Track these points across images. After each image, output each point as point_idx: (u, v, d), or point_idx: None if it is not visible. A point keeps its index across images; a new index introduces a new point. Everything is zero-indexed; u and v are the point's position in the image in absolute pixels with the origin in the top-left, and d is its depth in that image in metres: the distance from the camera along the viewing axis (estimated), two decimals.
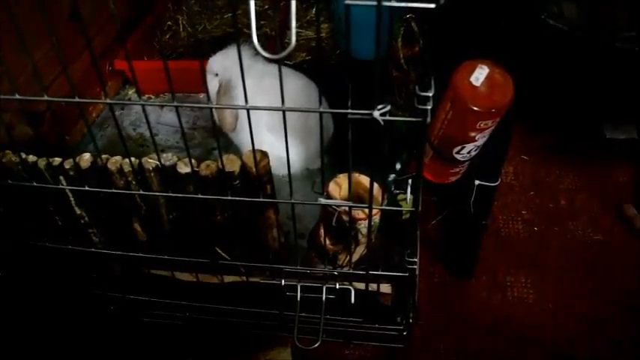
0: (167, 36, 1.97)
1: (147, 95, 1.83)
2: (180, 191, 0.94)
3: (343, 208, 0.97)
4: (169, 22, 2.00)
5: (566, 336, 1.33)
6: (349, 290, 1.05)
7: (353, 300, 1.05)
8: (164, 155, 0.93)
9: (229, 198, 0.91)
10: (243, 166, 0.93)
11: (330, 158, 1.44)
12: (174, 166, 0.93)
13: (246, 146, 1.48)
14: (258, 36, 1.77)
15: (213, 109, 1.52)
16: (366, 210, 0.93)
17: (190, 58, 1.87)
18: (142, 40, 1.86)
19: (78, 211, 1.04)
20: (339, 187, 1.02)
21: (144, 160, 0.94)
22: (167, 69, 0.78)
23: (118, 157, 0.96)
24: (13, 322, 1.28)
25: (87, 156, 0.97)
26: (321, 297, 1.05)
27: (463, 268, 1.42)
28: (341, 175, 1.03)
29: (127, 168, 0.94)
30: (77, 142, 1.64)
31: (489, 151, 1.22)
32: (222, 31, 1.99)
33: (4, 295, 1.26)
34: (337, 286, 1.05)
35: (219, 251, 1.06)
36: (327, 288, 1.05)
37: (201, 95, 1.80)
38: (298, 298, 1.05)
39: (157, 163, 0.93)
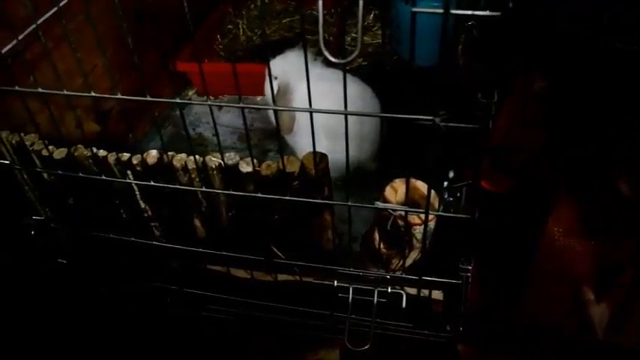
0: (227, 39, 2.03)
1: (205, 97, 1.88)
2: (240, 190, 0.97)
3: (399, 212, 0.98)
4: (229, 26, 2.06)
5: None
6: (401, 295, 1.06)
7: (404, 305, 1.06)
8: (227, 154, 0.97)
9: (288, 198, 0.94)
10: (303, 167, 0.95)
11: (381, 164, 1.45)
12: (236, 165, 0.96)
13: (301, 149, 1.51)
14: (315, 41, 1.83)
15: (272, 112, 1.57)
16: (422, 215, 0.94)
17: (249, 62, 1.92)
18: (201, 42, 1.92)
19: (142, 205, 1.09)
20: (395, 191, 1.03)
21: (207, 158, 0.97)
22: (235, 72, 0.81)
23: (183, 155, 1.00)
24: (73, 309, 1.34)
25: (153, 152, 1.01)
26: (373, 300, 1.06)
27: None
28: (397, 180, 1.04)
29: (191, 165, 0.98)
30: (139, 140, 1.71)
31: None
32: (280, 36, 2.03)
33: (67, 283, 1.33)
34: (389, 290, 1.06)
35: (275, 250, 1.08)
36: (378, 291, 1.06)
37: (258, 98, 1.84)
38: (350, 300, 1.06)
39: (220, 161, 0.96)
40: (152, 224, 1.12)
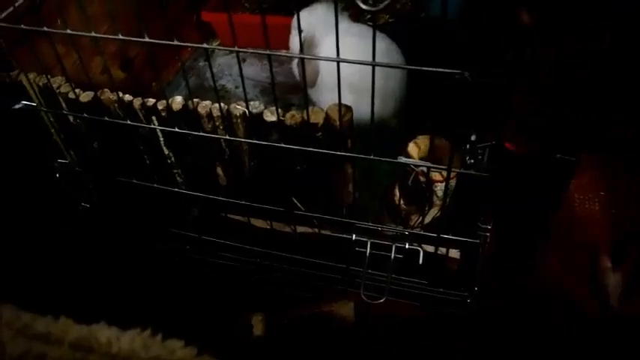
0: None
1: (230, 48, 1.87)
2: (264, 139, 0.97)
3: (421, 168, 0.98)
4: None
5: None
6: (418, 251, 1.07)
7: (421, 261, 1.07)
8: (251, 103, 0.97)
9: (311, 149, 0.94)
10: (327, 118, 0.95)
11: (405, 120, 1.44)
12: (260, 114, 0.96)
13: (323, 103, 1.50)
14: None
15: (297, 64, 1.55)
16: (444, 172, 0.94)
17: (274, 14, 1.89)
18: None
19: (166, 152, 1.10)
20: (418, 147, 1.02)
21: (232, 106, 0.98)
22: (264, 23, 0.80)
23: (208, 102, 1.00)
24: (93, 253, 1.38)
25: (179, 99, 1.01)
26: (390, 255, 1.07)
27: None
28: (420, 137, 1.03)
29: (215, 113, 0.98)
30: (162, 88, 1.71)
31: None
32: None
33: (89, 227, 1.36)
34: (407, 247, 1.07)
35: (295, 201, 1.09)
36: (396, 247, 1.07)
37: (283, 51, 1.82)
38: (367, 254, 1.08)
39: (245, 110, 0.97)
40: (175, 171, 1.14)
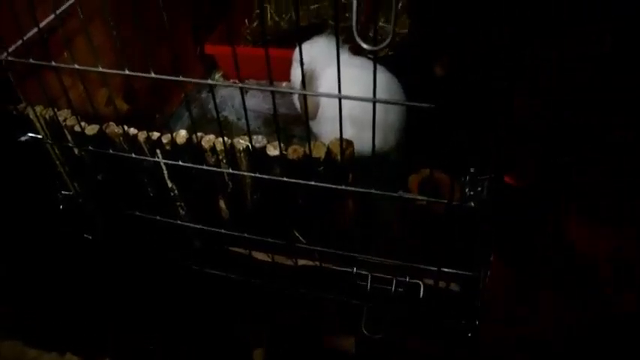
0: (254, 23, 2.04)
1: (232, 80, 1.90)
2: (267, 173, 0.98)
3: (421, 202, 0.99)
4: (257, 11, 2.07)
5: None
6: (419, 285, 1.07)
7: (422, 295, 1.07)
8: (254, 137, 0.98)
9: (313, 183, 0.95)
10: (329, 152, 0.96)
11: (405, 154, 1.45)
12: (263, 149, 0.98)
13: (324, 136, 1.52)
14: (343, 28, 1.82)
15: (298, 97, 1.58)
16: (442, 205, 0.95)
17: (277, 46, 1.92)
18: (230, 26, 1.94)
19: (169, 184, 1.11)
20: (418, 181, 1.04)
21: (235, 140, 0.99)
22: (267, 56, 0.82)
23: (212, 136, 1.02)
24: (95, 284, 1.38)
25: (183, 132, 1.03)
26: (391, 289, 1.08)
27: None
28: (421, 170, 1.05)
29: (219, 147, 1.00)
30: (165, 119, 1.73)
31: None
32: (308, 22, 2.03)
33: (92, 257, 1.36)
34: (407, 280, 1.07)
35: (297, 234, 1.10)
36: (396, 281, 1.07)
37: (284, 84, 1.85)
38: (368, 288, 1.08)
39: (248, 144, 0.98)
40: (178, 204, 1.15)
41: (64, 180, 1.24)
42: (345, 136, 1.12)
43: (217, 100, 1.84)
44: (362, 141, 1.06)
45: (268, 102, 1.79)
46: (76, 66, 0.96)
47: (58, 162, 1.21)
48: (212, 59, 1.90)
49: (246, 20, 2.03)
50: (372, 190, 0.93)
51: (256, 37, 2.00)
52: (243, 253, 1.18)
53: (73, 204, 1.26)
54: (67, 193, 1.25)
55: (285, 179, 0.96)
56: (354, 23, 0.74)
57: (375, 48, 0.73)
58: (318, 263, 1.14)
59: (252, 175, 0.99)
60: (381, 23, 1.93)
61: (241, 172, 1.01)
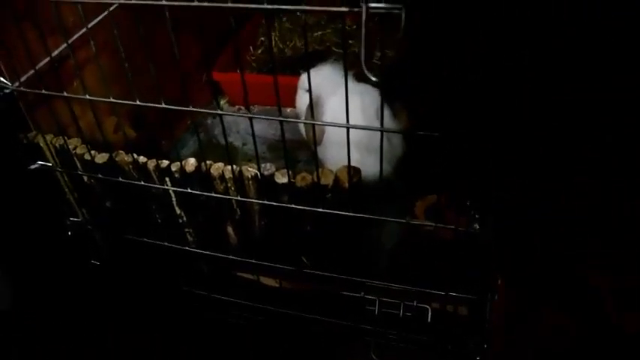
0: (259, 50, 2.07)
1: (237, 106, 1.93)
2: (275, 200, 1.00)
3: (428, 227, 1.00)
4: (262, 38, 2.10)
5: None
6: (426, 309, 1.07)
7: (430, 319, 1.07)
8: (262, 165, 1.00)
9: (321, 210, 0.96)
10: (337, 180, 0.97)
11: (409, 179, 1.46)
12: (272, 176, 0.99)
13: (330, 160, 1.53)
14: (347, 54, 1.81)
15: (303, 124, 1.59)
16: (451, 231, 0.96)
17: (281, 73, 1.95)
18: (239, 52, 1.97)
19: (178, 211, 1.12)
20: (424, 206, 1.05)
21: (244, 168, 1.01)
22: (276, 83, 0.84)
23: (220, 164, 1.03)
24: (102, 309, 1.38)
25: (192, 160, 1.05)
26: (399, 313, 1.08)
27: None
28: (428, 197, 1.06)
29: (227, 175, 1.01)
30: (172, 144, 1.75)
31: None
32: (312, 49, 2.06)
33: (99, 284, 1.37)
34: (415, 304, 1.08)
35: (304, 260, 1.11)
36: (404, 305, 1.08)
37: (288, 109, 1.87)
38: (376, 313, 1.08)
39: (256, 172, 1.00)
40: (186, 230, 1.16)
41: (72, 207, 1.26)
42: (351, 161, 1.14)
43: (221, 127, 1.86)
44: (365, 165, 1.07)
45: (273, 127, 1.81)
46: (87, 96, 0.98)
47: (67, 189, 1.22)
48: (218, 85, 1.93)
49: (250, 47, 2.06)
50: (381, 217, 0.95)
51: (261, 64, 2.02)
52: (252, 278, 1.19)
53: (82, 230, 1.27)
54: (75, 219, 1.26)
55: (293, 206, 0.98)
56: (362, 56, 0.76)
57: (380, 80, 0.75)
58: (326, 288, 1.14)
59: (261, 202, 1.00)
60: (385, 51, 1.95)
61: (250, 200, 1.02)
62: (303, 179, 0.98)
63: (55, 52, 1.12)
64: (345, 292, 1.12)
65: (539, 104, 0.68)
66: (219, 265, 1.20)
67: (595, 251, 0.78)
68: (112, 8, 1.13)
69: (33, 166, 1.16)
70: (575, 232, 0.84)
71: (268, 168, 1.00)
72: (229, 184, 1.02)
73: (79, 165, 1.14)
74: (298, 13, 2.10)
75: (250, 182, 1.01)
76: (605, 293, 1.01)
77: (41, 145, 1.15)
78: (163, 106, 0.92)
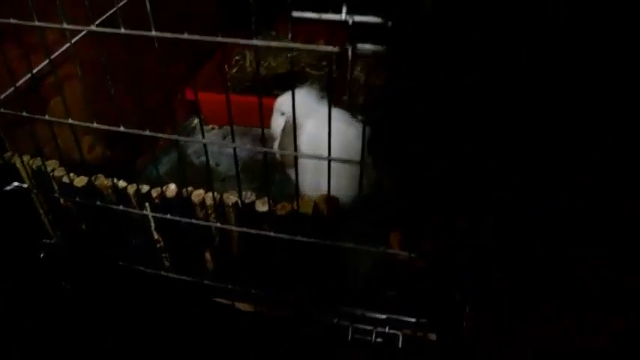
0: (234, 70, 2.09)
1: (211, 125, 1.94)
2: (255, 227, 1.02)
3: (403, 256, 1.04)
4: (237, 57, 2.12)
5: None
6: (398, 335, 1.11)
7: (400, 345, 1.11)
8: (244, 193, 1.02)
9: (300, 238, 0.99)
10: (316, 207, 1.00)
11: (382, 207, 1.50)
12: (252, 204, 1.01)
13: (304, 183, 1.56)
14: (318, 77, 1.87)
15: (279, 146, 1.62)
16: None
17: (255, 94, 1.97)
18: (212, 72, 1.98)
19: (155, 236, 1.13)
20: (398, 236, 1.09)
21: (225, 195, 1.03)
22: (261, 104, 0.86)
23: (201, 191, 1.05)
24: (70, 333, 1.36)
25: (173, 186, 1.06)
26: (371, 340, 1.11)
27: None
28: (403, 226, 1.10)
29: (208, 202, 1.03)
30: (145, 165, 1.75)
31: None
32: (286, 69, 2.09)
33: (69, 308, 1.35)
34: (387, 330, 1.11)
35: (281, 286, 1.13)
36: (376, 332, 1.11)
37: (276, 147, 1.90)
38: (349, 339, 1.11)
39: (237, 199, 1.02)
40: (163, 255, 1.17)
41: (46, 228, 1.25)
42: (325, 185, 1.16)
43: (196, 147, 1.87)
44: (340, 188, 1.09)
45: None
46: (70, 120, 0.99)
47: (41, 210, 1.22)
48: (192, 104, 1.94)
49: (226, 66, 2.08)
50: (357, 246, 0.98)
51: (236, 83, 2.04)
52: (227, 303, 1.20)
53: (55, 252, 1.26)
54: (48, 241, 1.25)
55: (272, 234, 1.00)
56: (347, 94, 0.79)
57: (364, 118, 0.78)
58: (300, 314, 1.16)
59: (242, 230, 1.02)
60: (358, 72, 2.00)
61: (231, 227, 1.04)
62: (283, 208, 1.01)
63: (37, 69, 1.12)
64: (318, 319, 1.15)
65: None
66: (195, 290, 1.21)
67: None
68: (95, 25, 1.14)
69: (8, 187, 1.16)
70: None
71: (249, 196, 1.02)
72: (210, 211, 1.04)
73: (56, 187, 1.14)
74: (289, 52, 2.13)
75: (231, 209, 1.03)
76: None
77: (17, 165, 1.14)
78: (148, 133, 0.93)
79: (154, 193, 1.06)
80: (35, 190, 1.15)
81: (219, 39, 0.81)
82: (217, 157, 1.84)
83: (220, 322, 1.23)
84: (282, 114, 1.61)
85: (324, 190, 1.02)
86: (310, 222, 1.00)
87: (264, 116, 1.74)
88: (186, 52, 1.87)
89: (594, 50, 0.64)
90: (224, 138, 1.90)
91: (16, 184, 1.16)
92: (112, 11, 1.22)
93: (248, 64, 2.11)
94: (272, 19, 2.29)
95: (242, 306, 1.19)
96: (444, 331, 1.11)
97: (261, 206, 1.01)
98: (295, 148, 1.00)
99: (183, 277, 1.15)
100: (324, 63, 2.12)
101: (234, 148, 0.94)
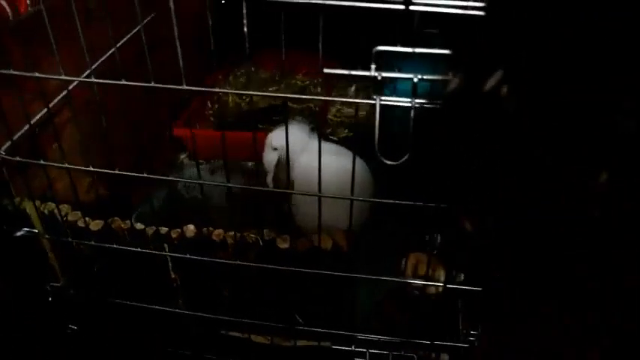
0: (216, 105, 2.13)
1: (200, 160, 1.97)
2: (275, 264, 1.05)
3: (416, 284, 1.10)
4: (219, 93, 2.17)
5: None
6: (413, 357, 1.16)
7: None
8: (264, 231, 1.06)
9: (322, 272, 1.03)
10: (335, 244, 1.05)
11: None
12: (273, 241, 1.05)
13: (299, 217, 1.59)
14: (299, 110, 1.95)
15: (273, 179, 1.66)
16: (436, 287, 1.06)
17: (239, 128, 2.01)
18: (197, 108, 2.02)
19: (173, 275, 1.15)
20: (410, 264, 1.15)
21: (245, 234, 1.06)
22: (255, 139, 0.91)
23: (221, 230, 1.08)
24: None
25: (191, 227, 1.09)
26: None
27: None
28: (411, 255, 1.16)
29: (229, 240, 1.06)
30: (140, 201, 1.75)
31: None
32: (268, 103, 2.15)
33: (77, 351, 1.34)
34: (402, 354, 1.16)
35: (297, 317, 1.17)
36: (393, 356, 1.16)
37: (250, 164, 1.94)
38: None
39: (257, 237, 1.05)
40: (178, 293, 1.18)
41: (54, 271, 1.24)
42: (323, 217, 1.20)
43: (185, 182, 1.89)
44: (337, 218, 1.14)
45: (237, 179, 1.86)
46: (66, 164, 1.01)
47: (50, 254, 1.22)
48: (179, 141, 1.97)
49: (208, 102, 2.12)
50: (374, 276, 1.04)
51: (218, 119, 2.08)
52: (241, 336, 1.23)
53: (63, 295, 1.26)
54: (56, 284, 1.25)
55: (294, 269, 1.04)
56: (375, 141, 0.84)
57: (396, 163, 0.84)
58: (317, 343, 1.20)
59: (263, 266, 1.05)
60: (338, 106, 2.08)
61: (251, 264, 1.07)
62: (303, 244, 1.05)
63: (36, 118, 1.13)
64: (335, 347, 1.19)
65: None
66: (209, 324, 1.22)
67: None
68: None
69: (19, 233, 1.15)
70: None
71: (269, 233, 1.06)
72: (230, 250, 1.07)
73: (68, 231, 1.15)
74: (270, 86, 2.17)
75: (250, 247, 1.06)
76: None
77: (28, 211, 1.14)
78: (145, 175, 0.97)
79: (174, 234, 1.08)
80: (47, 236, 1.16)
81: (184, 87, 0.87)
82: (209, 190, 1.86)
83: (236, 356, 1.25)
84: (275, 149, 1.66)
85: (322, 222, 1.05)
86: (330, 256, 1.05)
87: (252, 150, 1.79)
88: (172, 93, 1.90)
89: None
90: (212, 172, 1.92)
91: (26, 229, 1.16)
92: (98, 62, 1.24)
93: (230, 99, 2.15)
94: (251, 52, 2.34)
95: (258, 338, 1.22)
96: (456, 352, 1.17)
97: (282, 243, 1.05)
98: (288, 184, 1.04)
99: (199, 314, 1.17)
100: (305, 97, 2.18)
101: (229, 186, 0.98)
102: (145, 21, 1.52)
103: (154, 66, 0.90)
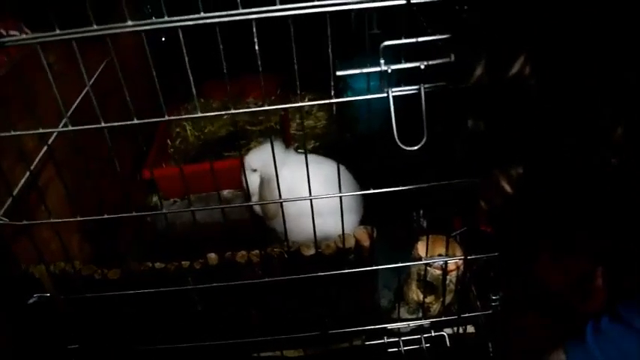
0: (177, 141, 2.12)
1: (172, 199, 1.95)
2: (302, 272, 1.08)
3: (437, 263, 1.15)
4: (177, 129, 2.16)
5: None
6: (444, 336, 1.21)
7: (448, 344, 1.21)
8: (285, 243, 1.08)
9: (347, 271, 1.07)
10: (357, 241, 1.09)
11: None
12: (298, 250, 1.08)
13: (292, 231, 1.61)
14: (261, 131, 2.01)
15: (256, 200, 1.67)
16: (455, 262, 1.12)
17: (204, 160, 2.01)
18: (160, 148, 2.00)
19: (199, 309, 1.14)
20: (423, 246, 1.20)
21: (269, 249, 1.08)
22: (241, 168, 0.94)
23: (244, 252, 1.09)
24: None
25: (213, 255, 1.09)
26: (421, 347, 1.20)
27: None
28: (422, 237, 1.22)
29: (254, 259, 1.08)
30: (126, 246, 1.72)
31: None
32: (227, 131, 2.16)
33: None
34: (433, 334, 1.21)
35: (327, 322, 1.19)
36: (424, 338, 1.21)
37: (225, 192, 1.94)
38: (403, 352, 1.20)
39: (282, 250, 1.08)
40: (206, 323, 1.18)
41: (71, 333, 1.21)
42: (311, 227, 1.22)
43: (162, 221, 1.87)
44: (327, 227, 1.17)
45: (217, 212, 1.86)
46: (52, 220, 1.00)
47: (65, 315, 1.18)
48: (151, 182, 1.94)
49: (168, 140, 2.10)
50: (396, 265, 1.09)
51: (181, 154, 2.07)
52: (274, 355, 1.23)
53: (83, 356, 1.22)
54: (74, 346, 1.21)
55: (320, 274, 1.07)
56: (395, 133, 0.89)
57: (414, 148, 0.88)
58: (348, 344, 1.23)
59: (292, 277, 1.07)
60: (298, 120, 2.12)
61: (280, 278, 1.09)
62: (328, 247, 1.08)
63: (17, 189, 1.10)
64: (368, 342, 1.22)
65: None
66: (239, 350, 1.22)
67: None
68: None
69: (31, 300, 1.12)
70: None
71: (291, 244, 1.08)
72: (256, 269, 1.09)
73: (82, 286, 1.12)
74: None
75: (276, 261, 1.08)
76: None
77: (37, 275, 1.11)
78: (105, 216, 0.98)
79: (197, 265, 1.08)
80: (62, 296, 1.12)
81: (135, 122, 0.90)
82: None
83: None
84: (254, 170, 1.68)
85: (311, 232, 1.06)
86: (355, 255, 1.09)
87: (225, 178, 1.80)
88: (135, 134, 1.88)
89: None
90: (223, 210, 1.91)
91: (37, 295, 1.12)
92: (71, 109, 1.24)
93: (189, 133, 2.15)
94: (200, 83, 2.35)
95: (290, 353, 1.23)
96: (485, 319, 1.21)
97: (307, 250, 1.08)
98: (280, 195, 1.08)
99: (230, 341, 1.17)
100: (260, 118, 2.21)
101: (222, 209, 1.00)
102: (101, 68, 1.53)
103: (116, 107, 0.91)
